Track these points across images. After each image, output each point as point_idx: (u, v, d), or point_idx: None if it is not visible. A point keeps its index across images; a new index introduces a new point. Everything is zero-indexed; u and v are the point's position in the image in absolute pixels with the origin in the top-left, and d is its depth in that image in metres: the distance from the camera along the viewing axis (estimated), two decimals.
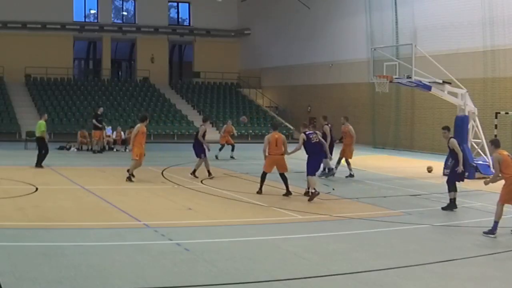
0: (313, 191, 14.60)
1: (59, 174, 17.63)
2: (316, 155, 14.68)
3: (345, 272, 8.07)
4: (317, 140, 14.76)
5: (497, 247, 9.88)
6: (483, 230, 10.57)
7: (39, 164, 18.97)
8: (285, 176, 14.56)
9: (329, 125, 18.79)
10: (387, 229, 10.96)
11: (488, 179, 11.31)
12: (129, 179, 16.30)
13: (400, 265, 8.47)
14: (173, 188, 15.50)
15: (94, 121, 25.99)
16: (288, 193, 14.48)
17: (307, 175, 14.77)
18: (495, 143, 11.24)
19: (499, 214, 10.51)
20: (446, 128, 13.96)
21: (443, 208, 13.15)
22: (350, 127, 19.09)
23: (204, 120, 19.14)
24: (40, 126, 19.52)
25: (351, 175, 18.63)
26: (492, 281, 7.93)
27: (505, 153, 10.99)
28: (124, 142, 27.56)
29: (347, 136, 18.97)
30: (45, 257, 8.16)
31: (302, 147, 14.50)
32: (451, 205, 13.11)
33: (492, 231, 10.44)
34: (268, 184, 16.41)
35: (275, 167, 14.69)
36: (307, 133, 14.74)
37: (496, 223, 10.45)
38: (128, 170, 16.54)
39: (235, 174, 18.83)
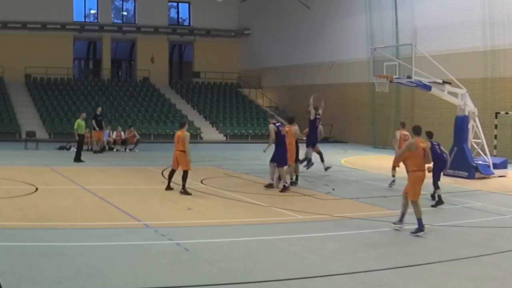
0: (286, 184, 15.04)
1: (59, 174, 17.62)
2: (284, 146, 15.40)
3: (345, 272, 8.07)
4: (284, 133, 15.65)
5: (496, 247, 9.87)
6: (410, 231, 10.47)
7: (77, 159, 21.10)
8: (185, 174, 14.27)
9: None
10: (387, 229, 10.94)
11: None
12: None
13: (400, 265, 8.47)
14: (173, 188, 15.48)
15: (93, 122, 25.93)
16: (185, 192, 14.06)
17: (278, 166, 15.23)
18: (415, 130, 11.12)
19: (418, 211, 10.54)
20: (428, 135, 13.72)
21: (433, 206, 13.47)
22: (403, 132, 16.59)
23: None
24: (75, 125, 22.20)
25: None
26: (492, 281, 7.92)
27: (423, 144, 10.91)
28: (124, 142, 27.55)
29: (401, 142, 16.38)
30: (45, 257, 8.16)
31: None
32: (439, 201, 13.61)
33: (419, 229, 10.42)
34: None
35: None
36: (276, 124, 15.47)
37: (419, 219, 10.48)
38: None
39: (235, 174, 18.82)
